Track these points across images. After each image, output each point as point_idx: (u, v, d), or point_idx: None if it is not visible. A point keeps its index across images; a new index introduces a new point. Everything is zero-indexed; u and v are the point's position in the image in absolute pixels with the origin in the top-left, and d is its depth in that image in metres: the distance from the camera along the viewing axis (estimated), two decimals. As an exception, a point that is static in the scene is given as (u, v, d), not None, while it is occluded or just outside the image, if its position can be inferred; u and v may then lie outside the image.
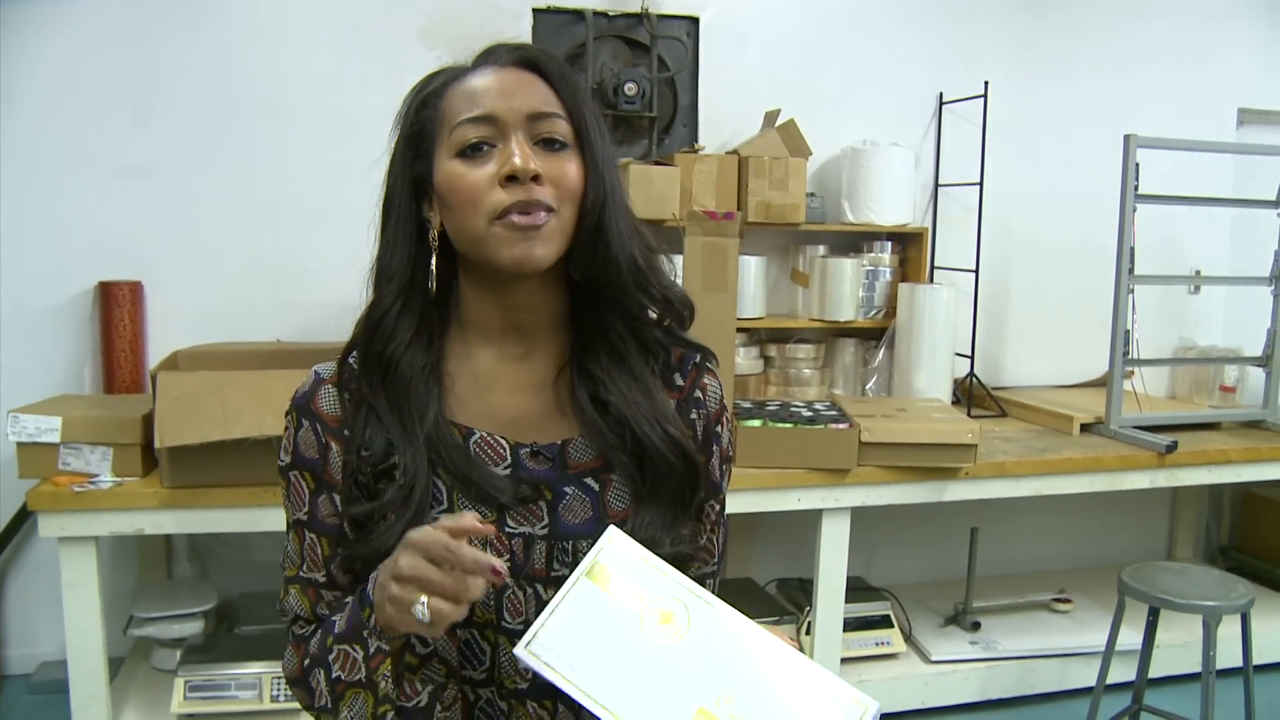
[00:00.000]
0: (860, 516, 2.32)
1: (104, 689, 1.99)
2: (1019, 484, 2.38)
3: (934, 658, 2.52)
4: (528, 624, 0.78)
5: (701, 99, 2.69)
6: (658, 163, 2.55)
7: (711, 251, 2.17)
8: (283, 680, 2.12)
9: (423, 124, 0.81)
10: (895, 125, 2.90)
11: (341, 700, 0.77)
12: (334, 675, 0.77)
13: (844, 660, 2.41)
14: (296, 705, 2.11)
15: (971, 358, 2.84)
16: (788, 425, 2.21)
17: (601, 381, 0.83)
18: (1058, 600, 2.83)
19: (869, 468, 2.24)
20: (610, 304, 0.83)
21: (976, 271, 2.80)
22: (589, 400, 0.83)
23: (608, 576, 0.72)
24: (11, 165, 2.41)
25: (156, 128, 2.48)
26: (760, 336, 2.85)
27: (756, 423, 2.21)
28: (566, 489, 0.82)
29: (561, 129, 0.79)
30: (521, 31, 2.54)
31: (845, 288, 2.76)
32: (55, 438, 1.97)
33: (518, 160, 0.76)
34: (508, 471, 0.82)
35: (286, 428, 0.85)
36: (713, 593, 0.90)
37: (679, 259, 2.11)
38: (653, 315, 0.86)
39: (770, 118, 2.70)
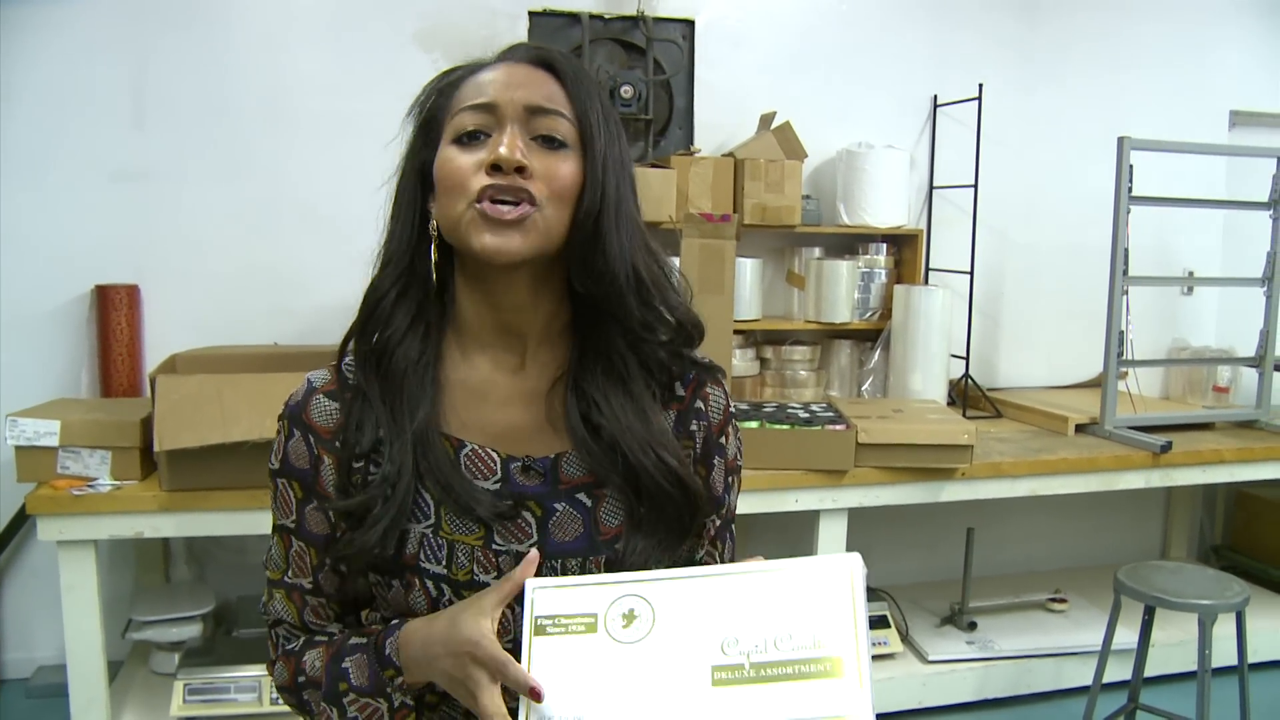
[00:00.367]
0: (856, 517, 2.33)
1: (104, 692, 1.99)
2: (1015, 484, 2.39)
3: (931, 657, 2.54)
4: (515, 643, 0.78)
5: (697, 102, 2.70)
6: (654, 165, 2.56)
7: (708, 254, 2.19)
8: (282, 683, 2.12)
9: (434, 113, 0.82)
10: (890, 128, 2.92)
11: None
12: (350, 715, 0.79)
13: (841, 660, 2.41)
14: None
15: (966, 359, 2.85)
16: (785, 427, 2.22)
17: (595, 401, 0.81)
18: (1053, 600, 2.84)
19: (866, 469, 2.25)
20: (611, 319, 0.81)
21: (971, 273, 2.81)
22: (580, 420, 0.81)
23: (554, 623, 0.71)
24: (8, 168, 2.42)
25: (153, 131, 2.48)
26: (756, 338, 2.86)
27: (754, 424, 2.22)
28: (557, 505, 0.81)
29: (562, 128, 0.77)
30: (518, 34, 2.55)
31: (841, 290, 2.77)
32: (54, 441, 1.97)
33: (504, 149, 0.75)
34: (497, 486, 0.81)
35: (278, 433, 0.84)
36: None
37: (675, 261, 2.12)
38: (662, 335, 0.83)
39: (766, 120, 2.72)
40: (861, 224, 2.78)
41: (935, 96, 2.96)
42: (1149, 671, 2.26)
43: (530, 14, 2.56)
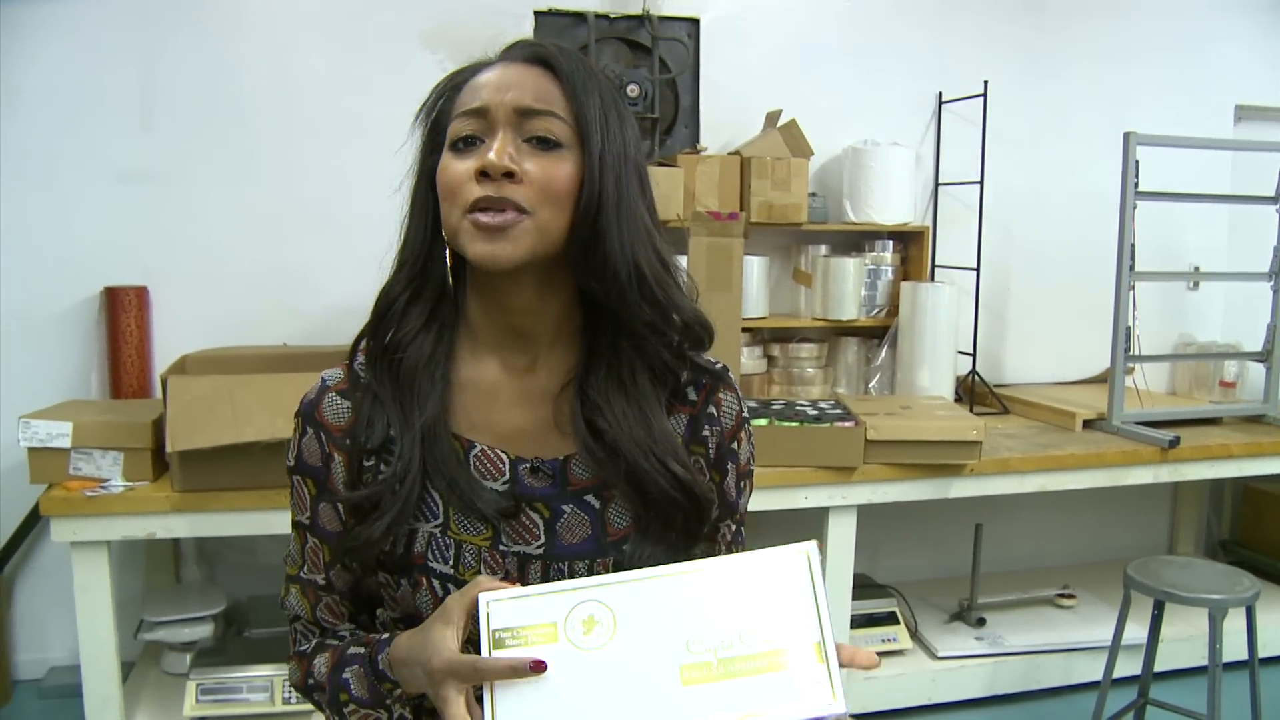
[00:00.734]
0: (864, 514, 2.33)
1: (117, 692, 2.00)
2: (1023, 480, 2.39)
3: (940, 654, 2.54)
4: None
5: (703, 100, 2.70)
6: (660, 164, 2.57)
7: (716, 252, 2.19)
8: (294, 682, 2.13)
9: (440, 115, 0.82)
10: (895, 125, 2.92)
11: None
12: None
13: (851, 657, 2.42)
14: (308, 708, 2.12)
15: (973, 355, 2.85)
16: (794, 424, 2.23)
17: (597, 406, 0.80)
18: (1061, 596, 2.84)
19: (875, 465, 2.25)
20: (616, 320, 0.80)
21: (977, 269, 2.81)
22: (584, 424, 0.81)
23: (512, 635, 0.69)
24: (16, 170, 2.42)
25: (161, 132, 2.49)
26: (763, 336, 2.86)
27: (763, 422, 2.22)
28: (565, 507, 0.81)
29: (556, 128, 0.76)
30: (523, 34, 2.52)
31: (848, 287, 2.78)
32: (66, 443, 1.98)
33: (491, 155, 0.75)
34: (505, 487, 0.81)
35: (294, 431, 0.86)
36: None
37: (683, 259, 2.13)
38: (670, 336, 0.83)
39: (772, 118, 2.72)
40: (868, 221, 2.79)
41: (940, 93, 2.96)
42: (1158, 667, 2.27)
43: (536, 14, 2.57)
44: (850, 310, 2.78)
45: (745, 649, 0.66)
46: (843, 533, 2.30)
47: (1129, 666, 2.32)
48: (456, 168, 0.77)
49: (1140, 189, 2.55)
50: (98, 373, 2.50)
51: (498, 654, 0.68)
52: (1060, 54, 3.04)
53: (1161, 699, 2.23)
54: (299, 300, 2.56)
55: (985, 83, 2.76)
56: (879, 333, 2.89)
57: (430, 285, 0.82)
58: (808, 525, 2.37)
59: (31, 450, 1.98)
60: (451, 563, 0.80)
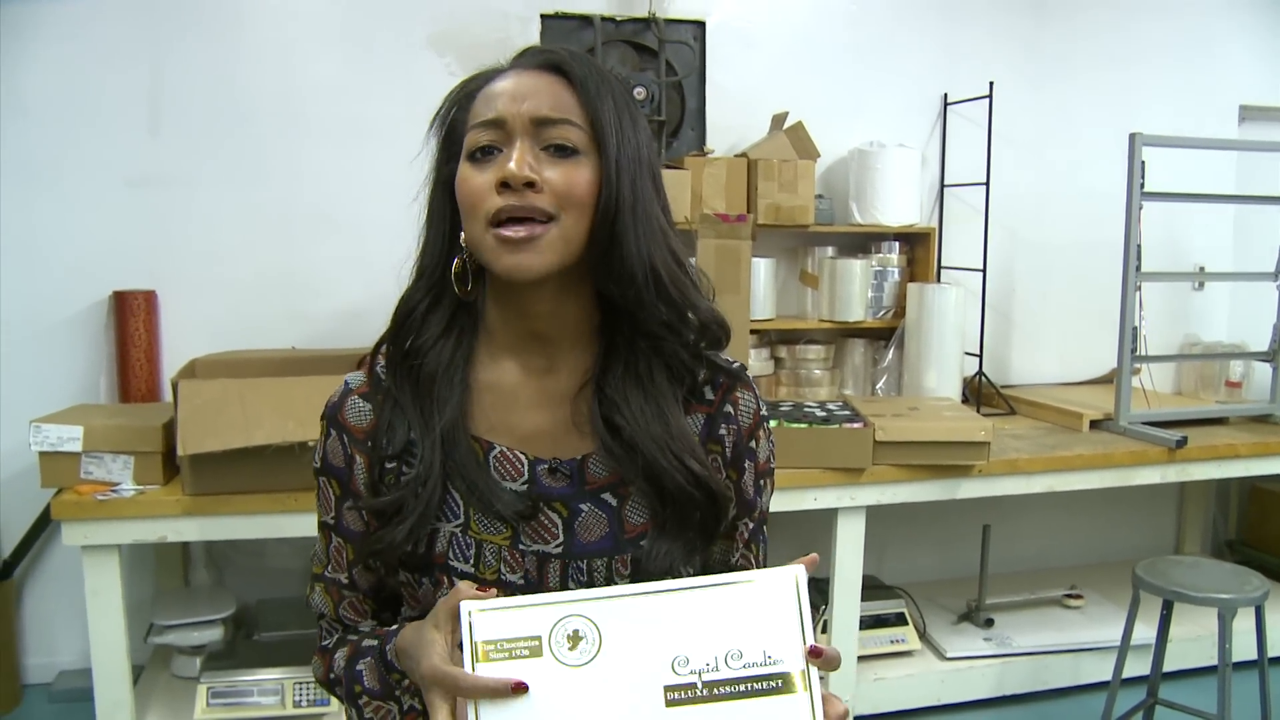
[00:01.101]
0: (873, 515, 2.34)
1: (129, 696, 2.00)
2: (1031, 481, 2.40)
3: (949, 654, 2.54)
4: None
5: (709, 102, 2.71)
6: (667, 166, 2.57)
7: (724, 254, 2.20)
8: (305, 685, 2.14)
9: (455, 125, 0.82)
10: (901, 127, 2.92)
11: None
12: (366, 716, 0.81)
13: (860, 658, 2.42)
14: (319, 710, 2.12)
15: (980, 356, 2.86)
16: (802, 425, 2.23)
17: (615, 403, 0.81)
18: (1069, 596, 2.85)
19: (884, 466, 2.26)
20: (633, 320, 0.81)
21: (984, 271, 2.82)
22: (602, 421, 0.81)
23: (494, 648, 0.68)
24: (25, 175, 2.43)
25: (168, 137, 2.49)
26: (770, 338, 2.86)
27: (771, 423, 2.22)
28: (582, 506, 0.82)
29: (573, 135, 0.77)
30: (530, 37, 2.56)
31: (854, 288, 2.78)
32: (77, 446, 1.99)
33: (512, 165, 0.75)
34: (524, 487, 0.81)
35: (320, 432, 0.87)
36: None
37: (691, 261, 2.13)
38: (688, 335, 0.83)
39: (778, 120, 2.73)
40: (874, 223, 2.79)
41: (945, 95, 2.97)
42: (1166, 667, 2.27)
43: (542, 16, 2.57)
44: (857, 312, 2.79)
45: (730, 673, 0.66)
46: (851, 534, 2.30)
47: (1137, 667, 2.32)
48: (476, 179, 0.77)
49: (1146, 190, 2.56)
50: (106, 377, 2.51)
51: (481, 668, 0.67)
52: (1065, 55, 3.05)
53: (1171, 699, 2.24)
54: (306, 304, 2.56)
55: (990, 84, 2.77)
56: (886, 334, 2.89)
57: (449, 293, 0.82)
58: (816, 526, 2.38)
59: (43, 454, 1.99)
60: (473, 561, 0.81)
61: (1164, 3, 3.12)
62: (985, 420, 2.34)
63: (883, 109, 2.92)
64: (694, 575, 0.82)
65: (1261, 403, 2.84)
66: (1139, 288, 2.59)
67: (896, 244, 2.90)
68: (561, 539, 0.81)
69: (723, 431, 0.87)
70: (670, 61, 2.65)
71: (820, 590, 2.57)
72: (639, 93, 2.55)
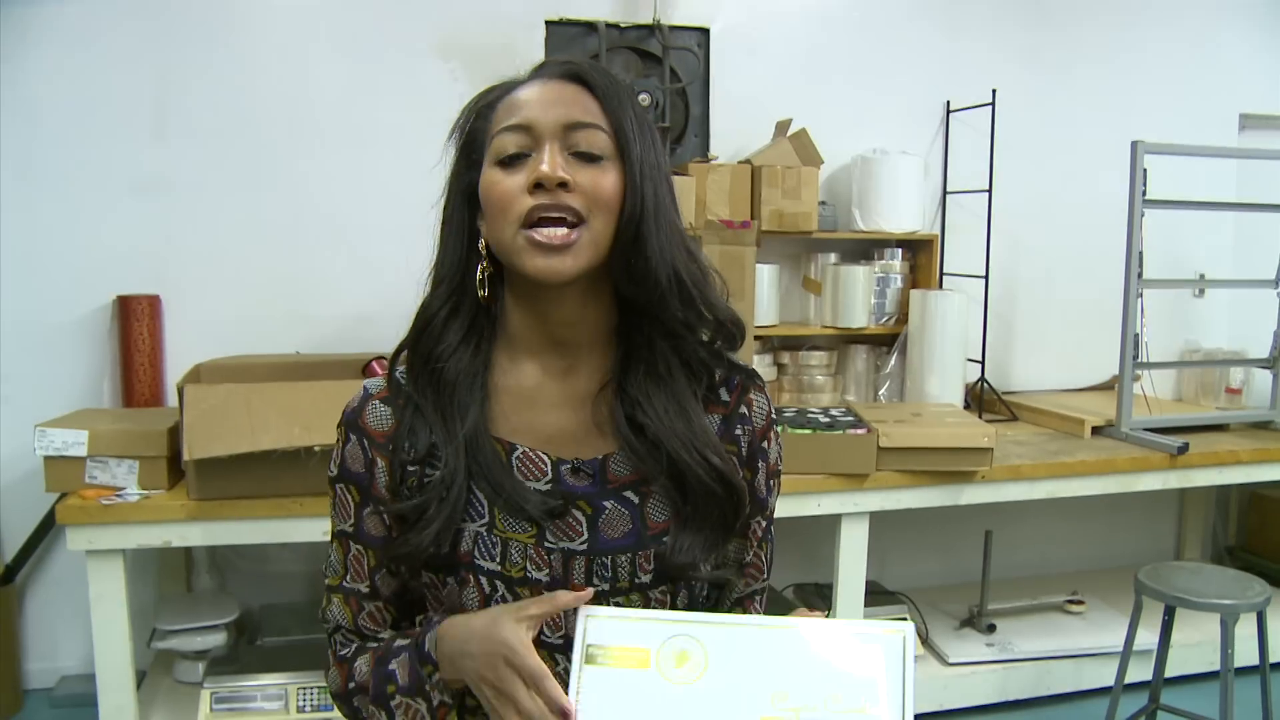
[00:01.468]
0: (876, 521, 2.34)
1: (132, 701, 2.00)
2: (1034, 486, 2.41)
3: (951, 660, 2.55)
4: (566, 638, 0.80)
5: (713, 109, 2.72)
6: (672, 173, 2.58)
7: (729, 260, 2.21)
8: (309, 691, 2.14)
9: (474, 134, 0.84)
10: (904, 134, 2.94)
11: None
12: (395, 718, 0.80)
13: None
14: (323, 716, 2.12)
15: (982, 362, 2.87)
16: (806, 431, 2.24)
17: (638, 402, 0.83)
18: (1070, 602, 2.85)
19: (887, 472, 2.27)
20: (653, 320, 0.83)
21: (986, 277, 2.83)
22: (625, 420, 0.83)
23: (605, 654, 0.71)
24: (30, 180, 2.43)
25: (173, 141, 2.50)
26: (773, 344, 2.87)
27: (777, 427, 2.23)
28: (606, 504, 0.83)
29: (599, 141, 0.79)
30: (535, 43, 2.58)
31: (857, 295, 2.79)
32: (82, 451, 1.99)
33: (545, 167, 0.77)
34: (548, 487, 0.83)
35: (337, 441, 0.87)
36: (760, 607, 0.90)
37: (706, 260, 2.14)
38: (704, 335, 0.86)
39: (782, 127, 2.74)
40: (877, 229, 2.80)
41: (948, 102, 2.99)
42: (1168, 672, 2.28)
43: (547, 23, 2.58)
44: (860, 318, 2.80)
45: (826, 714, 0.67)
46: (855, 540, 2.31)
47: (1140, 672, 2.33)
48: (506, 182, 0.79)
49: (1147, 197, 2.57)
50: (110, 381, 2.51)
51: (588, 670, 0.71)
52: (1067, 64, 3.07)
53: (1173, 704, 2.24)
54: (311, 309, 2.57)
55: (993, 91, 2.79)
56: (888, 340, 2.90)
57: (469, 300, 0.84)
58: (820, 532, 2.39)
59: (47, 459, 1.99)
60: (499, 560, 0.82)
61: (1165, 12, 3.15)
62: (988, 426, 2.35)
63: (886, 116, 2.94)
64: (713, 571, 0.84)
65: (1262, 409, 2.86)
66: (1140, 294, 2.60)
67: (899, 250, 2.91)
68: (586, 536, 0.82)
69: (738, 432, 0.89)
70: (674, 68, 2.67)
71: (823, 596, 2.58)
72: (643, 99, 2.56)
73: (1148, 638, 2.26)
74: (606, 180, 0.79)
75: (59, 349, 2.48)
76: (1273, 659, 2.17)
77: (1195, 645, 2.63)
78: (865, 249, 2.93)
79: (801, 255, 2.94)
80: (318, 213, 2.58)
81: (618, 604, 0.82)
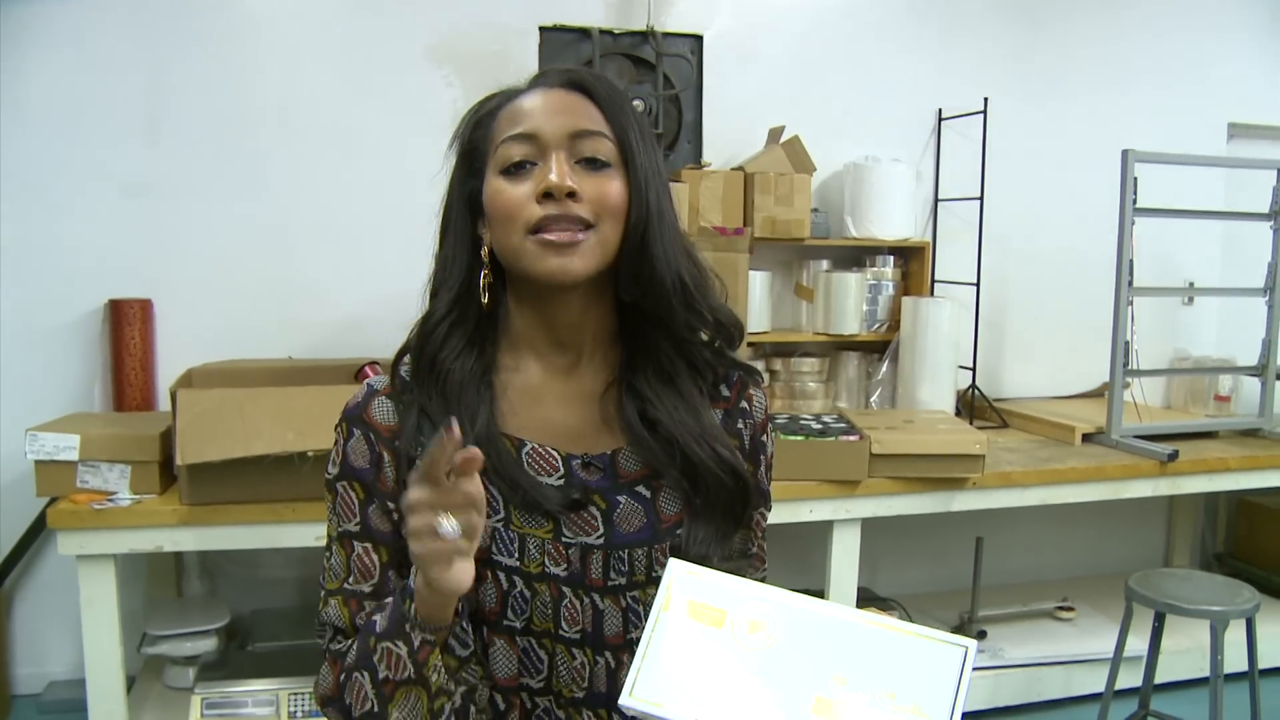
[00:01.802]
0: (867, 527, 2.36)
1: (123, 706, 2.00)
2: (1025, 494, 2.43)
3: (942, 666, 2.56)
4: (584, 633, 0.82)
5: (706, 116, 2.73)
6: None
7: (722, 267, 2.19)
8: (300, 696, 2.14)
9: (475, 143, 0.85)
10: (896, 141, 2.96)
11: (391, 702, 0.76)
12: (380, 676, 0.76)
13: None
14: (314, 722, 2.12)
15: (973, 370, 2.89)
16: (798, 437, 2.25)
17: (649, 400, 0.85)
18: (1060, 608, 2.87)
19: (879, 479, 2.28)
20: (658, 324, 0.85)
21: (977, 285, 2.86)
22: (637, 417, 0.85)
23: (685, 606, 0.74)
24: (21, 182, 2.43)
25: (165, 145, 2.50)
26: (765, 350, 2.89)
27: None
28: (619, 498, 0.85)
29: (604, 148, 0.81)
30: (528, 49, 2.59)
31: (849, 302, 2.81)
32: (74, 455, 1.99)
33: (554, 176, 0.78)
34: (560, 482, 0.84)
35: (336, 440, 0.86)
36: None
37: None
38: (703, 336, 0.88)
39: (775, 134, 2.76)
40: (869, 236, 2.83)
41: (940, 110, 3.01)
42: (1158, 679, 2.30)
43: (541, 29, 2.60)
44: (851, 325, 2.82)
45: (878, 708, 0.71)
46: (846, 546, 2.32)
47: (1130, 679, 2.35)
48: (513, 192, 0.80)
49: (1138, 205, 2.60)
50: (101, 385, 2.51)
51: (663, 616, 0.74)
52: (1059, 72, 3.10)
53: (1162, 710, 2.26)
54: (304, 313, 2.57)
55: (985, 100, 2.81)
56: (880, 347, 2.92)
57: (473, 308, 0.85)
58: (811, 538, 2.40)
59: (38, 463, 1.99)
60: (517, 555, 0.83)
61: (1155, 22, 3.19)
62: (979, 433, 2.37)
63: (878, 124, 2.96)
64: (726, 561, 0.85)
65: (1250, 417, 2.88)
66: (1130, 302, 2.63)
67: (891, 258, 2.93)
68: (602, 530, 0.84)
69: (740, 426, 0.91)
70: (667, 75, 2.69)
71: (815, 602, 2.58)
72: (637, 104, 2.58)
73: (1138, 644, 2.28)
74: (612, 187, 0.80)
75: (50, 353, 2.47)
76: (1262, 665, 2.19)
77: (1185, 652, 2.65)
78: (857, 256, 2.95)
79: (794, 262, 2.96)
80: (309, 217, 2.58)
81: (634, 598, 0.84)
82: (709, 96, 2.74)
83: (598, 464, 0.85)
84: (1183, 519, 3.34)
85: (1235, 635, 2.12)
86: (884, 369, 2.91)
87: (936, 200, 3.03)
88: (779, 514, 2.39)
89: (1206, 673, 2.08)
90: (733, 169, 2.73)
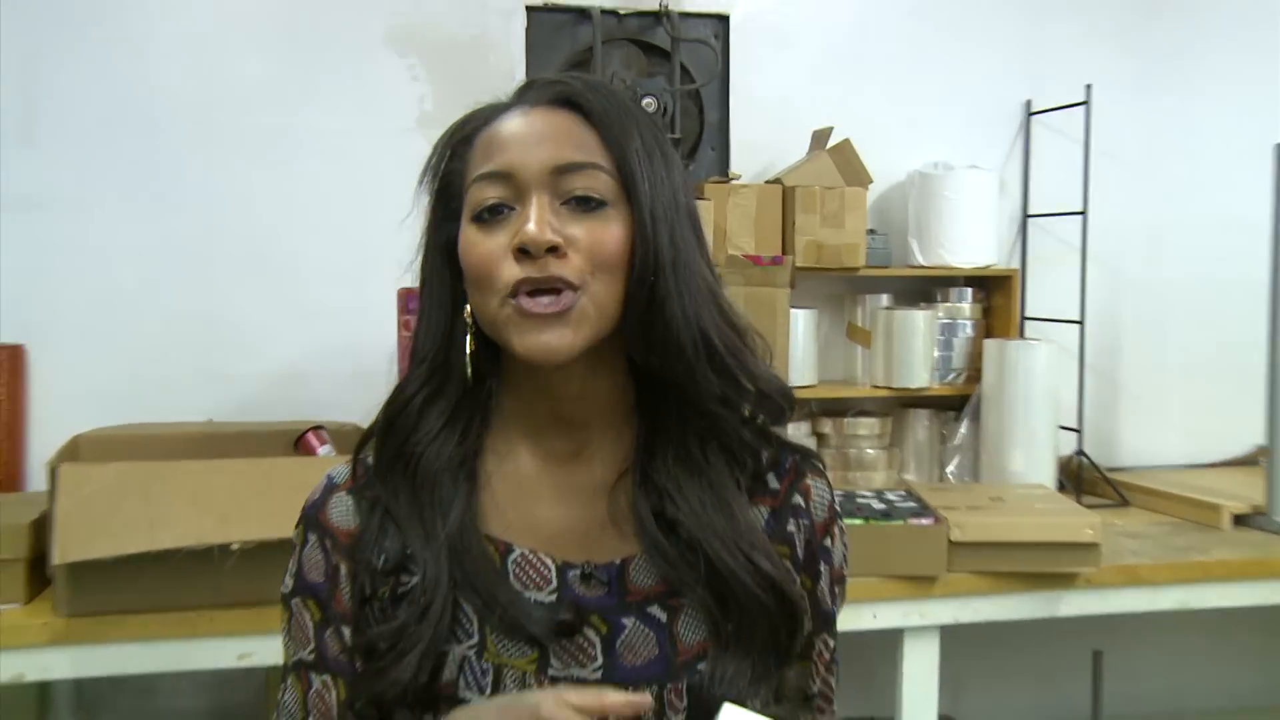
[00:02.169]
0: (950, 637, 2.33)
1: None
2: (1157, 594, 2.39)
3: (1051, 823, 2.51)
4: None
5: (734, 116, 2.77)
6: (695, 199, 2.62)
7: (757, 305, 2.24)
8: None
9: (450, 177, 0.87)
10: (973, 143, 3.00)
11: None
12: None
13: (937, 828, 2.39)
14: None
15: (1079, 431, 2.88)
16: (856, 521, 2.24)
17: (667, 493, 0.85)
18: (1208, 748, 2.82)
19: (961, 574, 2.26)
20: (679, 395, 0.85)
21: (1081, 322, 2.86)
22: (651, 516, 0.85)
23: None
24: None
25: (45, 148, 2.52)
26: (811, 409, 2.90)
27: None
28: (625, 620, 0.85)
29: (599, 183, 0.81)
30: (513, 33, 2.64)
31: (916, 346, 2.82)
32: (-93, 553, 1.96)
33: (531, 227, 0.79)
34: (552, 598, 0.84)
35: (295, 544, 0.89)
36: None
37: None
38: (744, 409, 0.88)
39: (820, 138, 2.80)
40: (940, 264, 2.85)
41: (1029, 102, 3.05)
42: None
43: (528, 9, 2.65)
44: (920, 376, 2.82)
45: None
46: (921, 661, 2.29)
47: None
48: (486, 246, 0.81)
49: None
50: (-47, 459, 2.50)
51: None
52: (1184, 49, 3.10)
53: None
54: (227, 364, 2.58)
55: (1087, 88, 2.83)
56: (956, 403, 2.93)
57: (454, 379, 0.86)
58: (876, 651, 2.37)
59: None
60: (489, 691, 0.83)
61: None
62: (1091, 514, 2.35)
63: (950, 121, 3.00)
64: (767, 707, 0.84)
65: None
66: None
67: (969, 290, 2.95)
68: (601, 662, 0.84)
69: (792, 528, 0.91)
70: (686, 65, 2.73)
71: (883, 738, 2.54)
72: (648, 103, 2.61)
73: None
74: (609, 234, 0.81)
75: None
76: None
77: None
78: (926, 289, 2.97)
79: (846, 297, 2.98)
80: (236, 242, 2.60)
81: None
82: (737, 91, 2.78)
83: (601, 576, 0.85)
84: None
85: None
86: (962, 431, 2.90)
87: (1026, 216, 3.06)
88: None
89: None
90: (768, 181, 2.76)
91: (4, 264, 2.51)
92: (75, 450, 2.19)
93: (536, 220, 0.79)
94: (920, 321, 2.82)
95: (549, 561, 0.85)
